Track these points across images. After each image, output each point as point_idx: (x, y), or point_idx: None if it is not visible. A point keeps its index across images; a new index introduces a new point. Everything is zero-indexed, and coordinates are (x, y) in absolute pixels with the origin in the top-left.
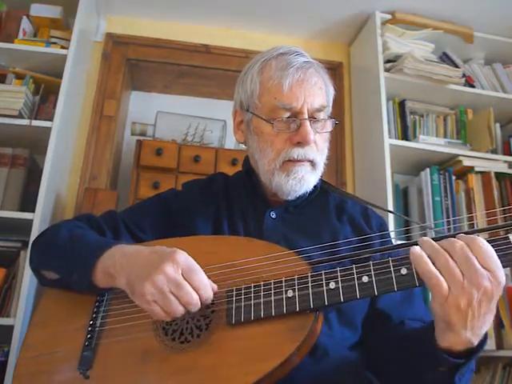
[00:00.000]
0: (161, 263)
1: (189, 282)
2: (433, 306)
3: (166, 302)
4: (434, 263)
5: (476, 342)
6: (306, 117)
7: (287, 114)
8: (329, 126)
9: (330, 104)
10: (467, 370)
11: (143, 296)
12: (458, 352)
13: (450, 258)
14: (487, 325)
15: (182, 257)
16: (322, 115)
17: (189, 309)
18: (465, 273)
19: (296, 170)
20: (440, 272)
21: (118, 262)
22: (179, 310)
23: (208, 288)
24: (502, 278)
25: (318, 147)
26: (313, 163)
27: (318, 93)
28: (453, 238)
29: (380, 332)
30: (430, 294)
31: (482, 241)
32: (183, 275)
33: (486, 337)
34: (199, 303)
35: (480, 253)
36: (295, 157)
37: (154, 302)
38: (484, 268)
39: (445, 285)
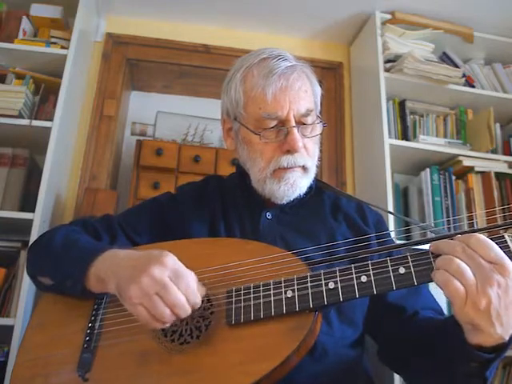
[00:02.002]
0: (148, 266)
1: (176, 285)
2: (455, 311)
3: (151, 304)
4: (446, 271)
5: (507, 337)
6: (293, 124)
7: (274, 123)
8: (318, 129)
9: (318, 104)
10: (497, 363)
11: (130, 299)
12: (489, 347)
13: (460, 261)
14: None
15: (170, 260)
16: (309, 119)
17: (176, 312)
18: (475, 273)
19: (287, 177)
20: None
21: (110, 266)
22: (165, 312)
23: (195, 292)
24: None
25: (309, 152)
26: (304, 168)
27: (303, 97)
28: (452, 241)
29: (396, 325)
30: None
31: (478, 236)
32: (170, 278)
33: None
34: (187, 305)
35: (480, 248)
36: (285, 165)
37: (139, 304)
38: (489, 262)
39: (462, 288)
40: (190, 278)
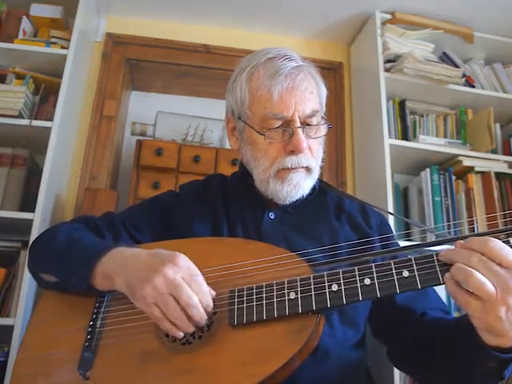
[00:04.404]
0: (161, 266)
1: (188, 286)
2: (472, 320)
3: (165, 304)
4: (462, 284)
5: None
6: (298, 125)
7: (279, 123)
8: (323, 130)
9: (323, 105)
10: None
11: (144, 299)
12: (507, 348)
13: (479, 275)
14: None
15: (183, 260)
16: (314, 120)
17: (189, 312)
18: (494, 283)
19: (291, 177)
20: (472, 291)
21: (117, 265)
22: (178, 313)
23: (207, 294)
24: None
25: (313, 152)
26: (308, 169)
27: (308, 98)
28: (464, 250)
29: (407, 327)
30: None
31: (492, 242)
32: (183, 279)
33: None
34: (199, 305)
35: (496, 255)
36: (289, 166)
37: (154, 304)
38: (506, 268)
39: (474, 302)
40: (202, 278)
